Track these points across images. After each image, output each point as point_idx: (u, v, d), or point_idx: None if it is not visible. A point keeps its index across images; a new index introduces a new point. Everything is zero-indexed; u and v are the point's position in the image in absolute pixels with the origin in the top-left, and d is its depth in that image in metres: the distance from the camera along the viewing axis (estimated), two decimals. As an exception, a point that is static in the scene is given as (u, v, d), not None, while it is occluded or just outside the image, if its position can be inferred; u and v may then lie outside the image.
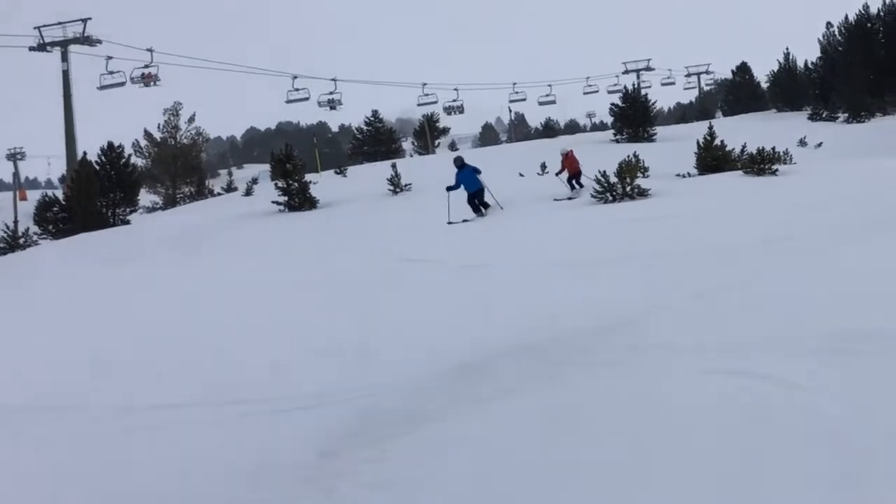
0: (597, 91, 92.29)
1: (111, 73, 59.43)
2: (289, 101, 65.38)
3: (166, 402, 7.68)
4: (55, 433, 7.22)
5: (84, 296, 15.36)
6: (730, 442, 4.90)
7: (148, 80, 59.33)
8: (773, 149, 21.45)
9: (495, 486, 4.77)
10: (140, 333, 11.09)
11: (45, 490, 5.93)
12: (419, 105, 74.04)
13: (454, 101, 79.02)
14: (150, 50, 59.73)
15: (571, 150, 25.22)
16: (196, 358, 9.29)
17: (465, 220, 20.37)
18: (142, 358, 9.68)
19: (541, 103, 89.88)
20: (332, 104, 68.42)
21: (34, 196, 67.15)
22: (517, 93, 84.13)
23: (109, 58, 59.06)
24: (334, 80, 68.47)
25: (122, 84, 59.81)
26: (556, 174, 25.53)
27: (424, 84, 74.23)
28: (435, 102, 73.11)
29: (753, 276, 9.55)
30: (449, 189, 21.87)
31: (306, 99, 65.24)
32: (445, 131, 68.87)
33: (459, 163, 22.63)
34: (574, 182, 24.46)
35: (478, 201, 22.08)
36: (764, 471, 4.48)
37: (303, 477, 5.43)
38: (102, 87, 59.60)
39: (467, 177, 21.87)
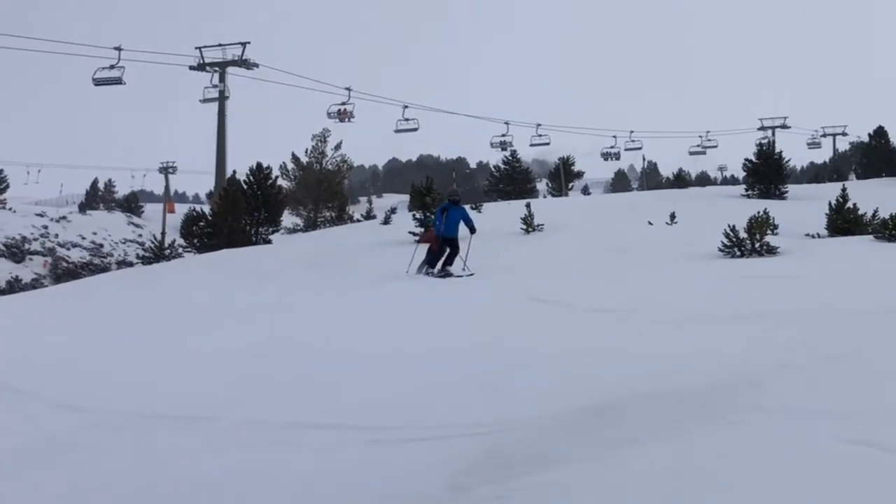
0: (716, 146, 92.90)
1: (214, 86, 63.19)
2: (397, 131, 68.18)
3: (296, 420, 7.89)
4: (184, 443, 7.45)
5: (221, 309, 16.04)
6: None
7: (343, 116, 63.79)
8: (906, 215, 21.33)
9: None
10: (273, 351, 11.41)
11: (164, 499, 6.11)
12: (531, 146, 77.33)
13: (612, 147, 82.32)
14: (349, 89, 65.29)
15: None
16: (326, 380, 9.51)
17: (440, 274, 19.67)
18: (275, 375, 9.97)
19: (691, 153, 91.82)
20: (504, 146, 72.50)
21: (182, 209, 69.93)
22: (633, 141, 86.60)
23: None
24: (507, 122, 72.71)
25: (416, 129, 66.42)
26: (418, 241, 23.82)
27: (538, 125, 76.43)
28: (548, 144, 75.93)
29: (884, 345, 9.39)
30: (438, 233, 20.14)
31: (415, 129, 68.01)
32: (580, 175, 69.37)
33: (455, 198, 20.90)
34: (432, 260, 20.78)
35: (448, 254, 20.03)
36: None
37: None
38: (205, 101, 63.18)
39: (453, 219, 20.05)
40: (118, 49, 56.76)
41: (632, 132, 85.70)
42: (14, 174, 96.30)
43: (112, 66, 57.36)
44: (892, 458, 5.69)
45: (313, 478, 6.31)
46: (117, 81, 57.83)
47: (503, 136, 73.57)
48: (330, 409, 8.28)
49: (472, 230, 20.41)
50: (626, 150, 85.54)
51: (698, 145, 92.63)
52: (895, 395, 7.32)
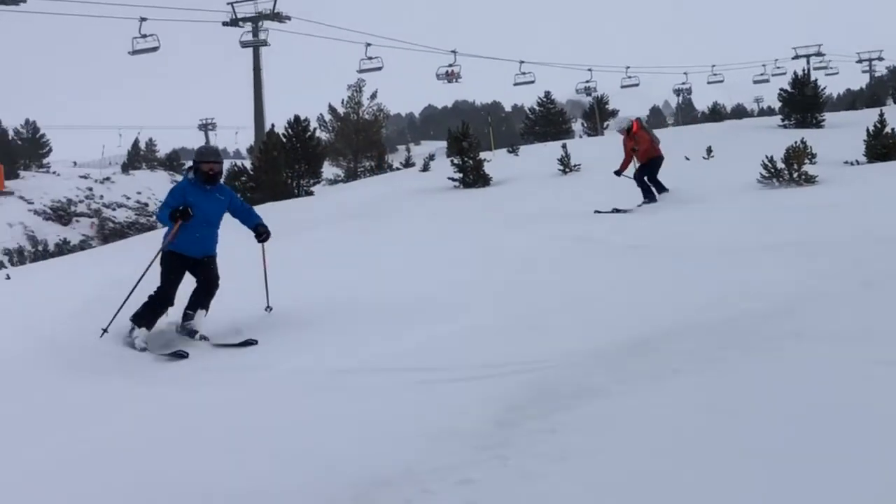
0: (768, 81, 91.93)
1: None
2: (360, 71, 66.47)
3: (347, 366, 8.09)
4: (237, 392, 7.65)
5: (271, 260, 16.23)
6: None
7: (451, 77, 68.10)
8: (949, 138, 21.05)
9: (663, 462, 4.86)
10: (320, 297, 11.44)
11: (218, 447, 6.19)
12: (577, 92, 78.10)
13: (629, 77, 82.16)
14: (454, 52, 68.57)
15: (637, 121, 19.83)
16: (376, 324, 9.67)
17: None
18: (322, 320, 10.17)
19: (709, 82, 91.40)
20: (588, 91, 77.23)
21: (223, 165, 70.36)
22: (630, 77, 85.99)
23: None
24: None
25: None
26: (617, 173, 19.74)
27: (590, 69, 76.87)
28: (595, 90, 76.13)
29: None
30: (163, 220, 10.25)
31: (379, 69, 66.35)
32: (614, 114, 69.13)
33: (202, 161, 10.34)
34: (649, 182, 18.93)
35: None
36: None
37: (480, 445, 5.56)
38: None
39: (205, 209, 10.13)
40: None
41: (628, 68, 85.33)
42: (56, 137, 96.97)
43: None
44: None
45: (365, 423, 6.48)
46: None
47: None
48: (378, 352, 8.51)
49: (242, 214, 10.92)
50: (623, 87, 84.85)
51: (714, 74, 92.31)
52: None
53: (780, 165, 19.72)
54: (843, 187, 17.99)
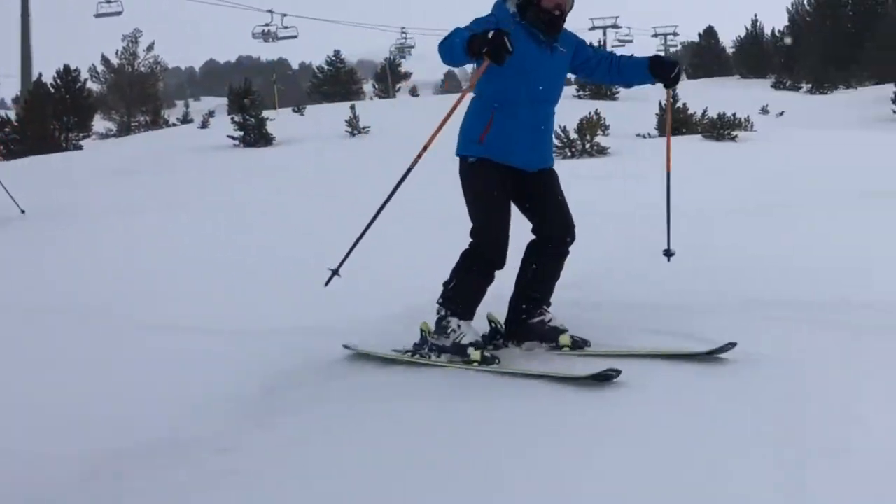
0: (413, 46, 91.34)
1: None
2: (97, 15, 60.55)
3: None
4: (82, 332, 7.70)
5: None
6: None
7: (268, 36, 65.46)
8: (734, 115, 21.78)
9: (432, 432, 4.78)
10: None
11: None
12: (391, 53, 75.11)
13: (405, 38, 80.00)
14: (271, 11, 64.44)
15: None
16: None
17: None
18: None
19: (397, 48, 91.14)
20: (403, 51, 74.02)
21: (-15, 115, 66.52)
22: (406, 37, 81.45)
23: None
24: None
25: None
26: None
27: (403, 28, 75.80)
28: (413, 47, 74.60)
29: (722, 241, 9.72)
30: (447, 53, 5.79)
31: (119, 13, 60.85)
32: (407, 76, 69.20)
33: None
34: None
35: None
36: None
37: (245, 413, 5.50)
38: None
39: (541, 72, 5.69)
40: None
41: (403, 28, 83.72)
42: None
43: None
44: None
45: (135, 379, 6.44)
46: None
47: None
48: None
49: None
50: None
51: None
52: (737, 289, 7.77)
53: (573, 136, 19.87)
54: (635, 159, 18.11)
